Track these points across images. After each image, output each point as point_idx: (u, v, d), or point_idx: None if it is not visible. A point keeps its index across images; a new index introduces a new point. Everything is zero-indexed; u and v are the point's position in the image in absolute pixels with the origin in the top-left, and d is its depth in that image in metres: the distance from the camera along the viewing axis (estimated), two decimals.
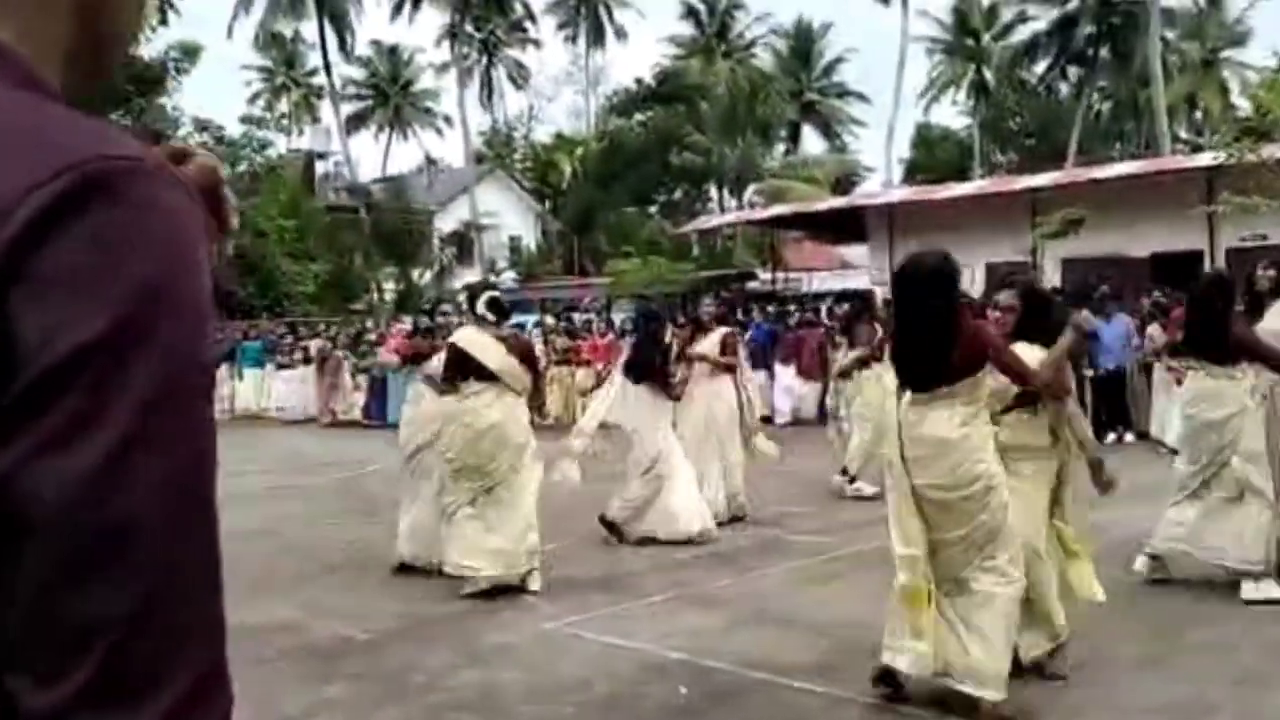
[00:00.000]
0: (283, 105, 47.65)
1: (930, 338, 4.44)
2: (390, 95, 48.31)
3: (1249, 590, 5.96)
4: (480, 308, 6.99)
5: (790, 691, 4.89)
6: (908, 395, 4.55)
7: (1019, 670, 4.64)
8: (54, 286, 0.67)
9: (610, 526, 8.14)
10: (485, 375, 6.87)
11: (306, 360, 21.22)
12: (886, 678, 4.62)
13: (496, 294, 7.39)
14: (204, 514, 0.72)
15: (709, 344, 9.17)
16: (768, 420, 13.73)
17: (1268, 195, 14.69)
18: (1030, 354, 4.82)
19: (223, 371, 22.58)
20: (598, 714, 4.73)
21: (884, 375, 6.67)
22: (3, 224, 0.66)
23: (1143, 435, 13.05)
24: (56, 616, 0.67)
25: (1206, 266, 17.98)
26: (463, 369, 6.93)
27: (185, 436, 0.71)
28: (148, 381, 0.68)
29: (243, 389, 22.41)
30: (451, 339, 7.22)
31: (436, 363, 7.29)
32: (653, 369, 8.42)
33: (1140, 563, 6.42)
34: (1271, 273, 6.78)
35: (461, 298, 7.93)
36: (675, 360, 8.84)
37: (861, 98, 47.21)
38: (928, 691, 4.66)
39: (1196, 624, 5.64)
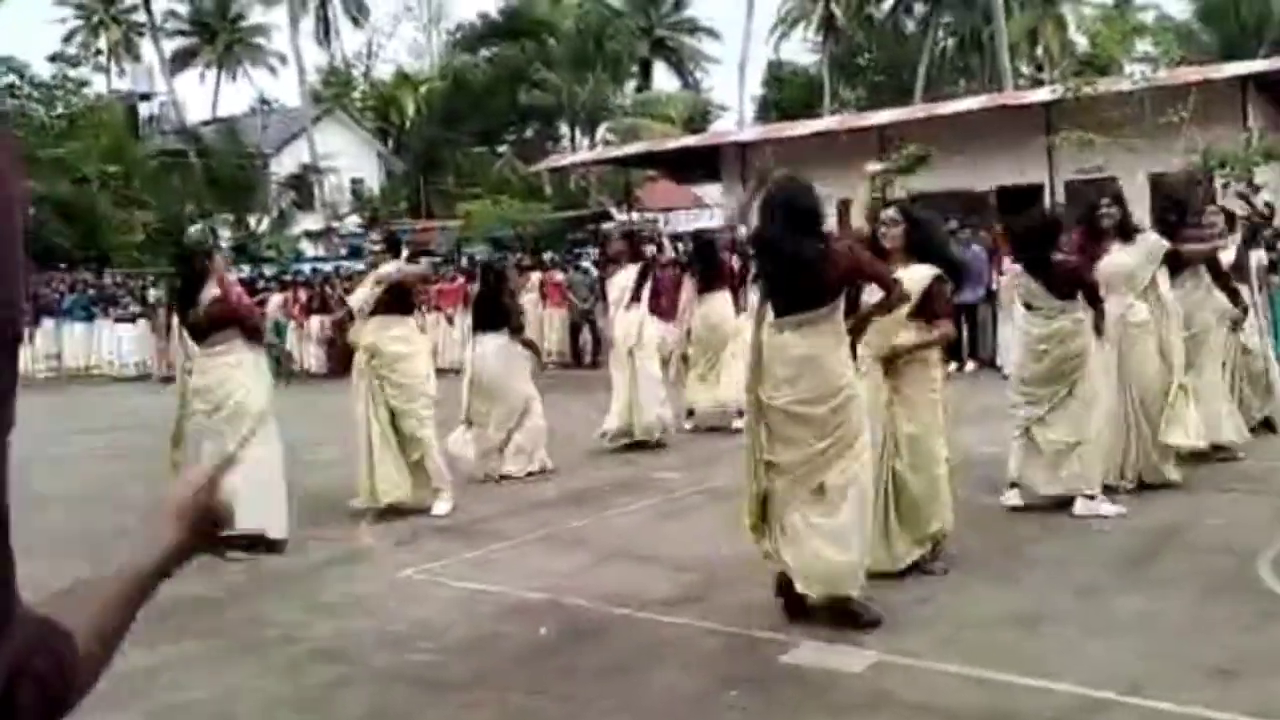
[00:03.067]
0: (101, 43, 44.72)
1: (803, 263, 4.49)
2: (218, 31, 45.79)
3: (1080, 508, 6.22)
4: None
5: (653, 624, 4.86)
6: (771, 319, 4.61)
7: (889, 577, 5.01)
8: None
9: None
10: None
11: (142, 314, 20.14)
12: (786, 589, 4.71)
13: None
14: None
15: (624, 278, 9.51)
16: None
17: (1103, 129, 15.28)
18: (919, 273, 5.19)
19: (49, 327, 21.23)
20: (455, 657, 4.61)
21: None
22: None
23: (985, 363, 13.56)
24: None
25: (1047, 199, 18.73)
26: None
27: None
28: None
29: (70, 345, 21.16)
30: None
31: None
32: (500, 316, 8.51)
33: (1012, 494, 6.48)
34: (1115, 210, 6.91)
35: (375, 238, 8.89)
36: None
37: (712, 34, 47.02)
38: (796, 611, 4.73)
39: (1039, 541, 5.85)
